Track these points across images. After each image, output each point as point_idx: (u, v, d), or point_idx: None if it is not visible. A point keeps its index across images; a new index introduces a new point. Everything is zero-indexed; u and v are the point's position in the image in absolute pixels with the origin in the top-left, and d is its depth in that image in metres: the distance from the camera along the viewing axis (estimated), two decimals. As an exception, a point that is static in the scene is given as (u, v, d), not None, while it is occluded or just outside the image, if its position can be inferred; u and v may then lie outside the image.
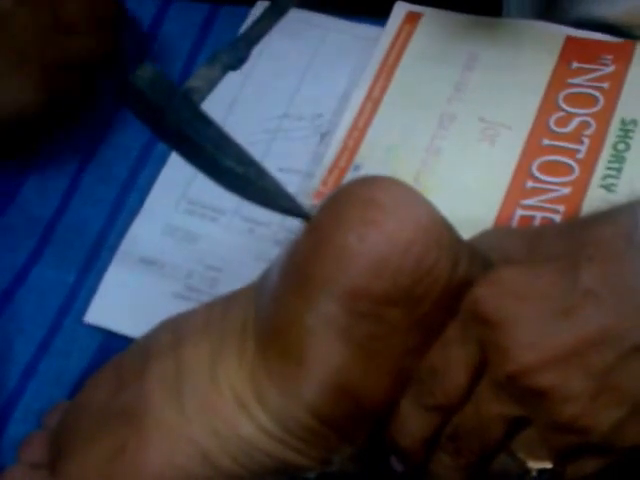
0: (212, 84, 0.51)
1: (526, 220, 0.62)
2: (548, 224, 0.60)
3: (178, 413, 0.50)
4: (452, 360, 0.48)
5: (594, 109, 0.66)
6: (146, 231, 0.65)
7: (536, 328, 0.46)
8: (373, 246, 0.47)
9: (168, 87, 0.49)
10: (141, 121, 0.50)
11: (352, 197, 0.49)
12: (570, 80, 0.67)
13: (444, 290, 0.48)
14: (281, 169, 0.66)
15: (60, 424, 0.54)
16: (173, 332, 0.53)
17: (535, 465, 0.48)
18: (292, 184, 0.65)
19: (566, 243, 0.48)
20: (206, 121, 0.50)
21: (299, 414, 0.49)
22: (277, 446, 0.49)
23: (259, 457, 0.50)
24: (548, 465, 0.48)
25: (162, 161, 0.67)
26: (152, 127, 0.50)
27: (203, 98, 0.50)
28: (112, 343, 0.60)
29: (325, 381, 0.48)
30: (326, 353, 0.48)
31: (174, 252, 0.64)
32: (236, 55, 0.53)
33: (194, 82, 0.50)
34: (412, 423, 0.49)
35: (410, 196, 0.49)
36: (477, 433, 0.49)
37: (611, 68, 0.67)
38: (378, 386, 0.49)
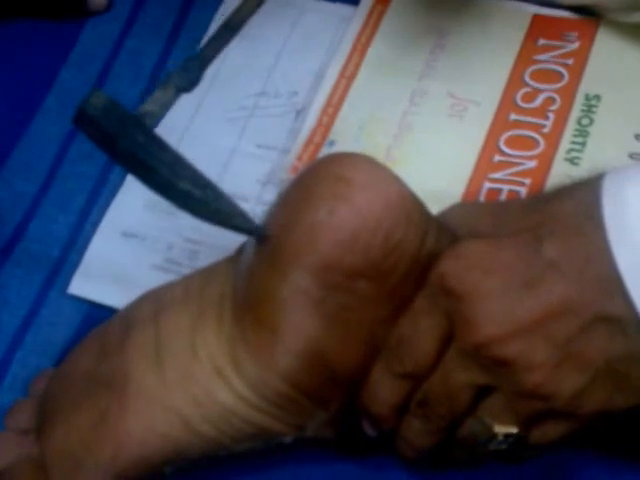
0: (165, 107, 0.50)
1: (494, 193, 0.61)
2: (513, 199, 0.60)
3: (159, 381, 0.50)
4: (420, 330, 0.48)
5: (559, 85, 0.65)
6: (128, 205, 0.64)
7: (500, 300, 0.46)
8: (344, 221, 0.47)
9: (121, 114, 0.49)
10: (97, 146, 0.49)
11: (323, 174, 0.49)
12: (536, 57, 0.67)
13: (413, 263, 0.48)
14: (258, 145, 0.65)
15: (46, 392, 0.54)
16: (154, 304, 0.53)
17: (501, 430, 0.48)
18: (269, 160, 0.65)
19: (530, 217, 0.48)
20: (161, 146, 0.50)
21: (275, 382, 0.49)
22: (254, 412, 0.49)
23: (237, 423, 0.50)
24: (513, 430, 0.48)
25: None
26: (108, 152, 0.50)
27: (157, 121, 0.49)
28: (96, 314, 0.60)
29: (299, 350, 0.48)
30: (300, 324, 0.48)
31: (155, 225, 0.63)
32: (188, 77, 0.53)
33: (148, 107, 0.50)
34: (383, 390, 0.49)
35: (380, 172, 0.49)
36: (445, 400, 0.48)
37: (576, 45, 0.67)
38: (350, 355, 0.49)
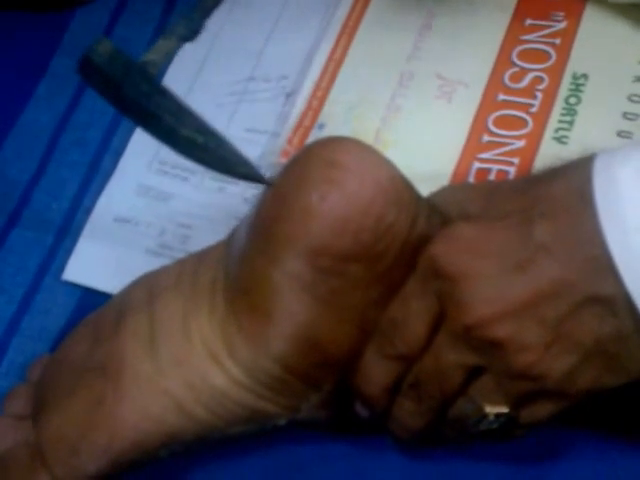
0: (168, 56, 0.50)
1: (483, 173, 0.61)
2: (504, 180, 0.59)
3: (152, 366, 0.50)
4: (412, 312, 0.48)
5: (547, 64, 0.65)
6: (120, 191, 0.64)
7: (491, 282, 0.46)
8: (335, 205, 0.47)
9: (125, 62, 0.49)
10: (101, 96, 0.49)
11: (314, 158, 0.48)
12: (524, 37, 0.66)
13: (404, 246, 0.48)
14: (248, 129, 0.65)
15: (41, 378, 0.54)
16: (147, 288, 0.52)
17: (492, 410, 0.48)
18: (259, 144, 0.64)
19: (520, 199, 0.47)
20: (164, 93, 0.49)
21: (268, 365, 0.48)
22: (248, 395, 0.49)
23: (231, 406, 0.49)
24: (504, 410, 0.48)
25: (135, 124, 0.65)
26: (112, 101, 0.50)
27: (160, 70, 0.49)
28: (90, 299, 0.60)
29: (292, 334, 0.48)
30: (292, 307, 0.48)
31: (147, 211, 0.62)
32: (191, 26, 0.53)
33: (151, 55, 0.50)
34: (375, 372, 0.49)
35: (370, 156, 0.48)
36: (436, 381, 0.48)
37: (563, 24, 0.66)
38: (342, 338, 0.48)
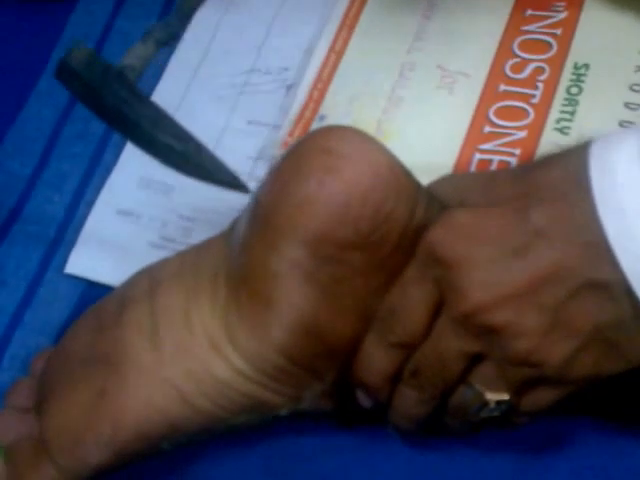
0: (146, 61, 0.50)
1: (484, 164, 0.61)
2: (502, 168, 0.60)
3: (155, 357, 0.50)
4: (411, 299, 0.48)
5: (548, 55, 0.65)
6: (122, 184, 0.64)
7: (489, 268, 0.46)
8: (334, 193, 0.47)
9: (103, 67, 0.49)
10: (79, 100, 0.49)
11: (314, 147, 0.49)
12: (524, 27, 0.66)
13: (403, 233, 0.48)
14: (250, 122, 0.65)
15: (44, 370, 0.54)
16: (149, 280, 0.53)
17: (493, 397, 0.48)
18: (260, 136, 0.64)
19: (518, 186, 0.47)
20: (142, 99, 0.50)
21: (270, 354, 0.48)
22: (250, 385, 0.49)
23: (233, 396, 0.49)
24: (505, 397, 0.48)
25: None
26: (91, 107, 0.50)
27: (138, 75, 0.49)
28: (92, 292, 0.60)
29: (293, 323, 0.48)
30: (293, 296, 0.48)
31: (150, 203, 0.63)
32: (169, 31, 0.53)
33: (128, 60, 0.50)
34: (376, 360, 0.49)
35: (369, 144, 0.49)
36: (437, 368, 0.48)
37: (564, 14, 0.66)
38: (343, 326, 0.49)
